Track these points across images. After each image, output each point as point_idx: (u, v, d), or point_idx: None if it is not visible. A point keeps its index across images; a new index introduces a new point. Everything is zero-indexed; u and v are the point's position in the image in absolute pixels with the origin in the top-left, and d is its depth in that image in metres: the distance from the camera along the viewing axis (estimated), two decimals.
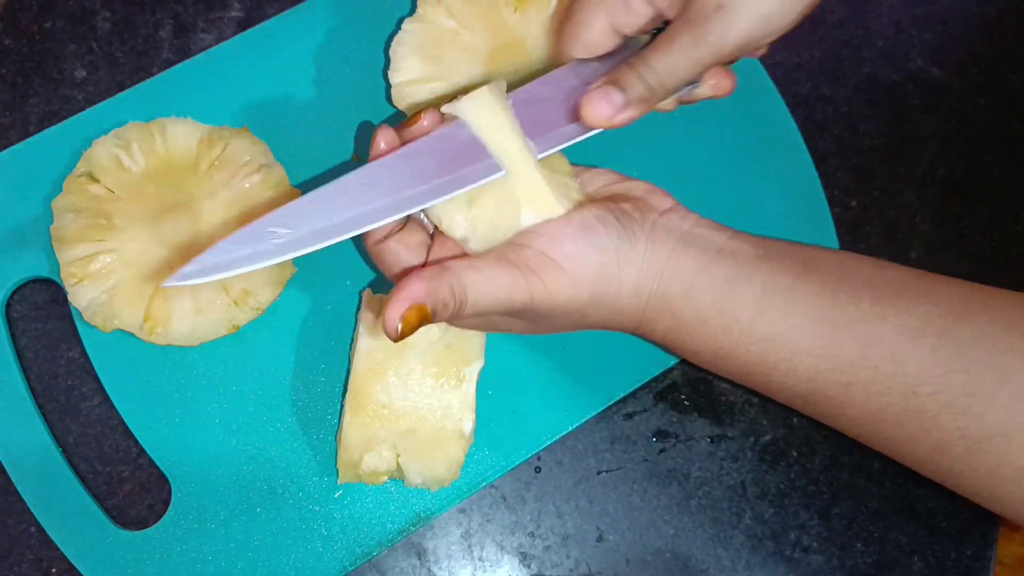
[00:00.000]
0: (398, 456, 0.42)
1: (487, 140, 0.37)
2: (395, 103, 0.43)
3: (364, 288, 0.47)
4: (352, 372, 0.43)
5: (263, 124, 0.47)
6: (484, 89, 0.37)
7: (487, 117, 0.37)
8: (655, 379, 0.48)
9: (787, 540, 0.48)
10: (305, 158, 0.48)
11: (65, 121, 0.47)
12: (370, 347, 0.42)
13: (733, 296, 0.37)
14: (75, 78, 0.51)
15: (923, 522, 0.48)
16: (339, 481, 0.43)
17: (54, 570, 0.45)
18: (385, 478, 0.43)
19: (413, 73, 0.43)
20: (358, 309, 0.45)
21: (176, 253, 0.44)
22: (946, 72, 0.55)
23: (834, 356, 0.36)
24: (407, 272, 0.36)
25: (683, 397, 0.49)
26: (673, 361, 0.48)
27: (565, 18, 0.41)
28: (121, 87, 0.50)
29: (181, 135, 0.45)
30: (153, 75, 0.49)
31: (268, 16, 0.51)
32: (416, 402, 0.42)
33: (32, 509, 0.43)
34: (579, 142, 0.39)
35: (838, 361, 0.36)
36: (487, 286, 0.36)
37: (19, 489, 0.43)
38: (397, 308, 0.33)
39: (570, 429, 0.46)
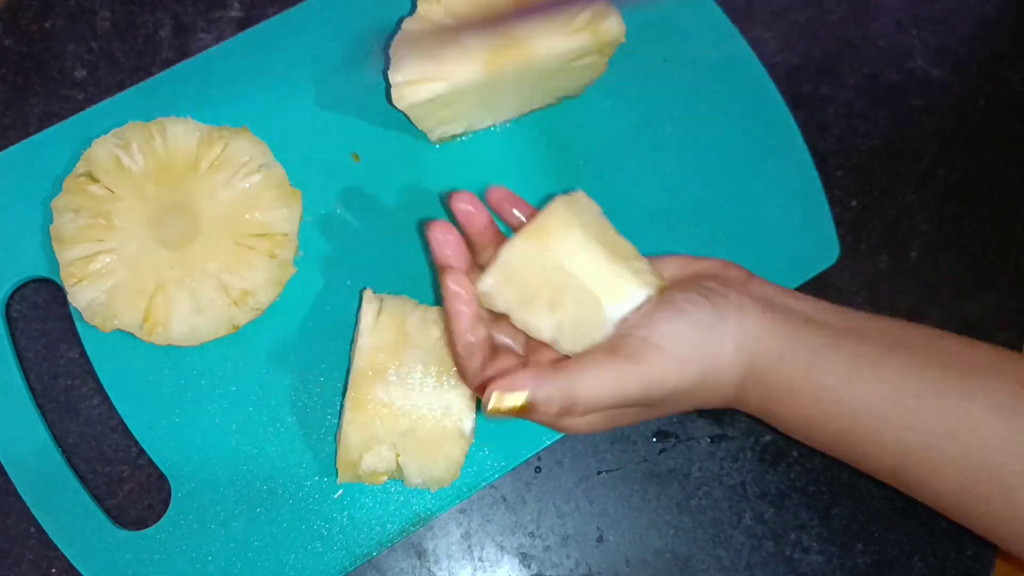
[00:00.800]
0: (398, 456, 0.42)
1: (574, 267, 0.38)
2: (395, 103, 0.43)
3: (364, 288, 0.47)
4: (352, 371, 0.43)
5: (263, 124, 0.47)
6: (555, 209, 0.38)
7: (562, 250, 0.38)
8: None
9: (787, 540, 0.48)
10: (305, 158, 0.48)
11: (65, 121, 0.47)
12: (370, 346, 0.42)
13: (822, 366, 0.37)
14: (75, 78, 0.51)
15: (923, 522, 0.48)
16: (339, 481, 0.43)
17: (54, 570, 0.45)
18: (385, 478, 0.43)
19: (413, 73, 0.43)
20: (358, 308, 0.45)
21: (176, 253, 0.44)
22: (946, 72, 0.55)
23: (920, 430, 0.36)
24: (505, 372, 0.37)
25: None
26: None
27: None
28: (121, 87, 0.50)
29: (181, 135, 0.45)
30: (153, 75, 0.49)
31: (268, 16, 0.51)
32: (416, 401, 0.42)
33: (32, 509, 0.43)
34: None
35: (924, 435, 0.36)
36: (598, 381, 0.36)
37: (19, 489, 0.43)
38: (498, 386, 0.35)
39: None
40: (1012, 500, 0.35)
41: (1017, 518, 0.35)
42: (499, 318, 0.40)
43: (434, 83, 0.43)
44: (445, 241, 0.39)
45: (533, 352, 0.40)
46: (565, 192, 0.40)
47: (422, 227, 0.48)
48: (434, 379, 0.42)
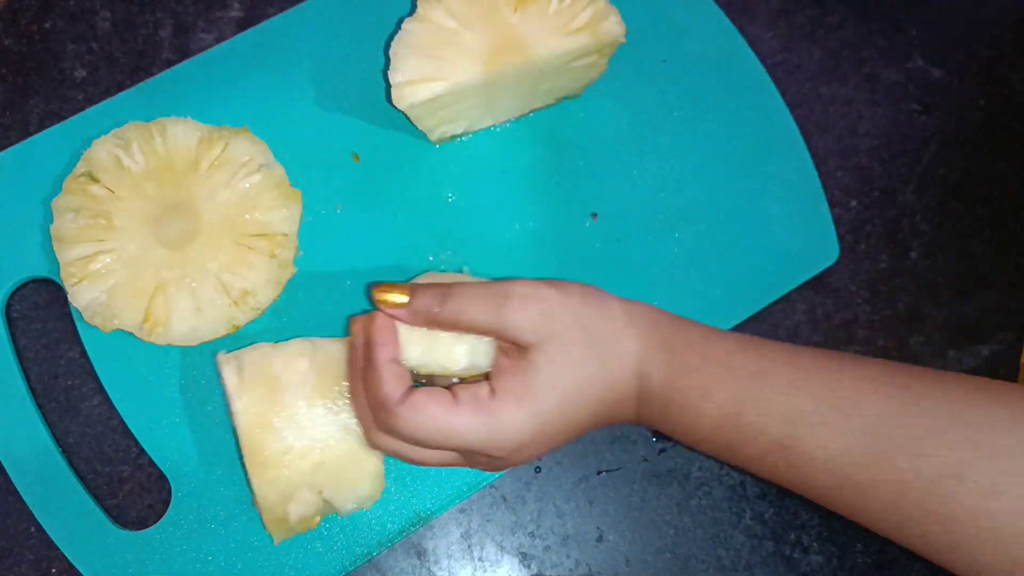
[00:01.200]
0: (320, 493, 0.41)
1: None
2: (395, 103, 0.43)
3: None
4: (240, 436, 0.41)
5: (263, 124, 0.47)
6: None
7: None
8: None
9: (787, 540, 0.48)
10: (305, 158, 0.48)
11: (65, 121, 0.47)
12: (246, 406, 0.41)
13: (713, 339, 0.38)
14: (75, 78, 0.51)
15: None
16: (275, 542, 0.42)
17: (54, 570, 0.45)
18: (318, 519, 0.42)
19: (413, 73, 0.43)
20: (219, 376, 0.43)
21: (176, 253, 0.44)
22: (946, 72, 0.55)
23: (808, 396, 0.36)
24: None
25: None
26: None
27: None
28: (121, 87, 0.50)
29: (181, 135, 0.45)
30: (153, 75, 0.49)
31: (268, 16, 0.51)
32: (314, 435, 0.41)
33: (32, 509, 0.43)
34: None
35: (811, 402, 0.36)
36: (475, 286, 0.39)
37: (19, 489, 0.43)
38: (383, 285, 0.39)
39: None
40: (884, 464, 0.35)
41: (889, 484, 0.35)
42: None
43: (434, 83, 0.43)
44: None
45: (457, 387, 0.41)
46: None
47: (426, 225, 0.48)
48: (321, 408, 0.41)
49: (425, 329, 0.40)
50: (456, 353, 0.40)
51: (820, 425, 0.35)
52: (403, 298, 0.39)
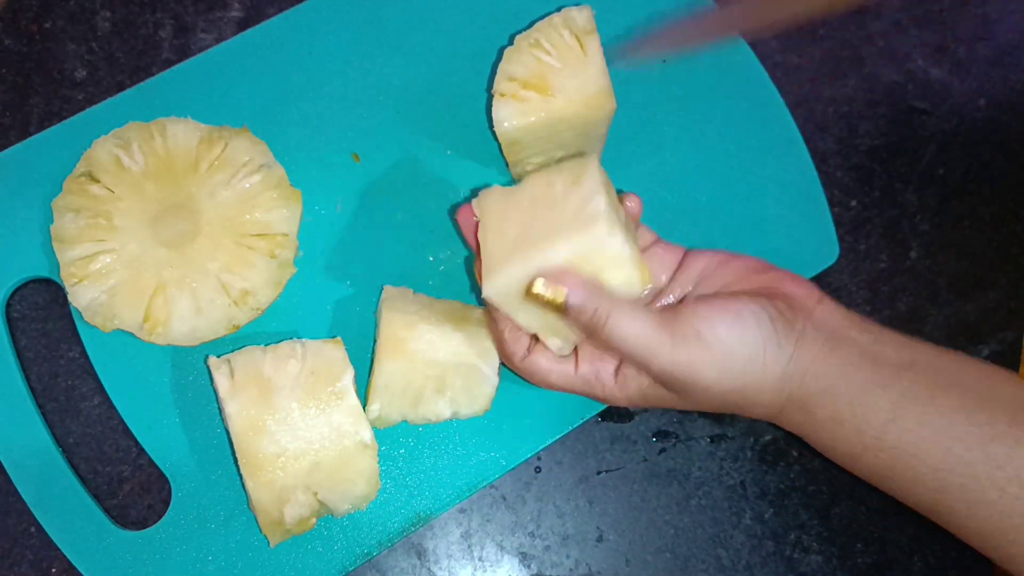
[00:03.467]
0: (316, 495, 0.41)
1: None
2: (495, 126, 0.43)
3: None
4: (233, 438, 0.41)
5: (263, 124, 0.47)
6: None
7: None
8: None
9: (787, 540, 0.48)
10: (305, 158, 0.48)
11: (65, 121, 0.47)
12: (238, 409, 0.41)
13: (869, 401, 0.37)
14: (75, 78, 0.51)
15: (923, 522, 0.48)
16: (271, 545, 0.42)
17: (54, 570, 0.45)
18: (314, 520, 0.42)
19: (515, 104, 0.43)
20: (211, 380, 0.43)
21: (176, 253, 0.44)
22: (946, 72, 0.55)
23: (961, 473, 0.36)
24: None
25: None
26: None
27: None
28: (121, 87, 0.50)
29: (181, 135, 0.45)
30: (153, 75, 0.49)
31: (268, 16, 0.51)
32: (307, 437, 0.41)
33: (32, 509, 0.43)
34: None
35: (965, 477, 0.36)
36: (632, 327, 0.37)
37: (19, 489, 0.43)
38: (549, 279, 0.37)
39: (570, 429, 0.46)
40: None
41: None
42: None
43: (536, 109, 0.43)
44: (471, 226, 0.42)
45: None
46: None
47: (427, 225, 0.48)
48: (313, 409, 0.41)
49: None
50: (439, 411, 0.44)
51: (979, 503, 0.36)
52: (557, 300, 0.37)
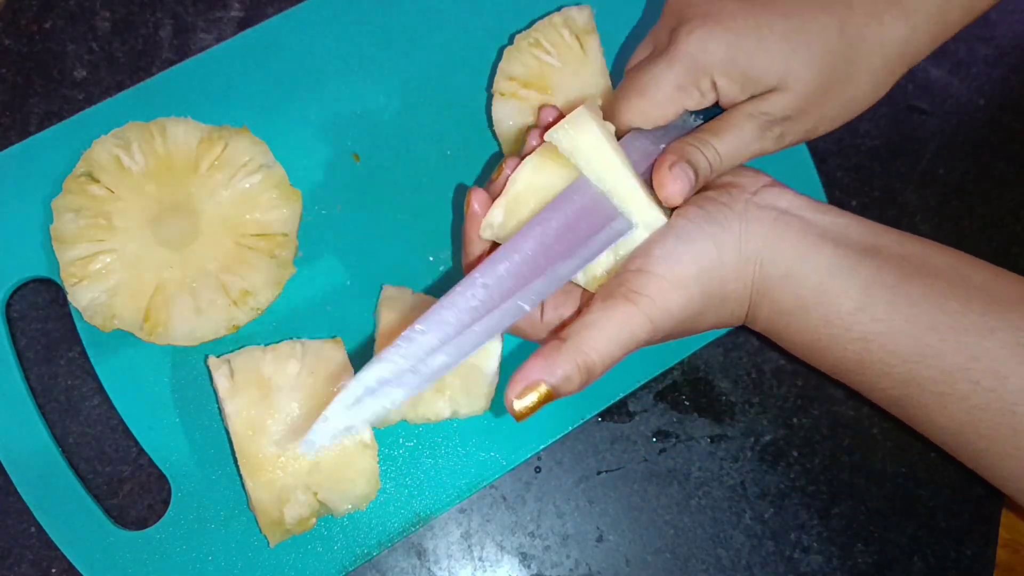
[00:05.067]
0: (315, 495, 0.41)
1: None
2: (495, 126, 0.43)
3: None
4: (233, 438, 0.41)
5: (263, 124, 0.47)
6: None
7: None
8: (655, 379, 0.48)
9: (787, 540, 0.48)
10: (305, 158, 0.48)
11: (65, 121, 0.47)
12: (238, 409, 0.41)
13: (835, 287, 0.35)
14: (75, 78, 0.51)
15: (923, 522, 0.48)
16: (271, 545, 0.42)
17: (54, 570, 0.45)
18: (314, 520, 0.42)
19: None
20: (211, 380, 0.44)
21: (176, 253, 0.44)
22: (946, 72, 0.55)
23: (932, 365, 0.34)
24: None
25: (683, 397, 0.49)
26: (673, 361, 0.48)
27: (630, 89, 0.39)
28: (121, 87, 0.50)
29: (181, 135, 0.45)
30: (153, 75, 0.49)
31: (268, 16, 0.51)
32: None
33: (32, 509, 0.43)
34: None
35: (936, 370, 0.34)
36: (607, 337, 0.35)
37: (19, 489, 0.43)
38: (513, 391, 0.34)
39: (570, 429, 0.46)
40: (1018, 441, 0.34)
41: (1020, 458, 0.34)
42: None
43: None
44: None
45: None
46: None
47: (427, 225, 0.48)
48: (313, 409, 0.41)
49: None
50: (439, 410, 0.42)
51: (949, 395, 0.34)
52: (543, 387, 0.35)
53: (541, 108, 0.40)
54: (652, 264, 0.35)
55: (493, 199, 0.39)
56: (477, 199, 0.39)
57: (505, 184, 0.38)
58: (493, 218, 0.38)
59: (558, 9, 0.45)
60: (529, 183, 0.37)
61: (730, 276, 0.36)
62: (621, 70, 0.48)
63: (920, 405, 0.36)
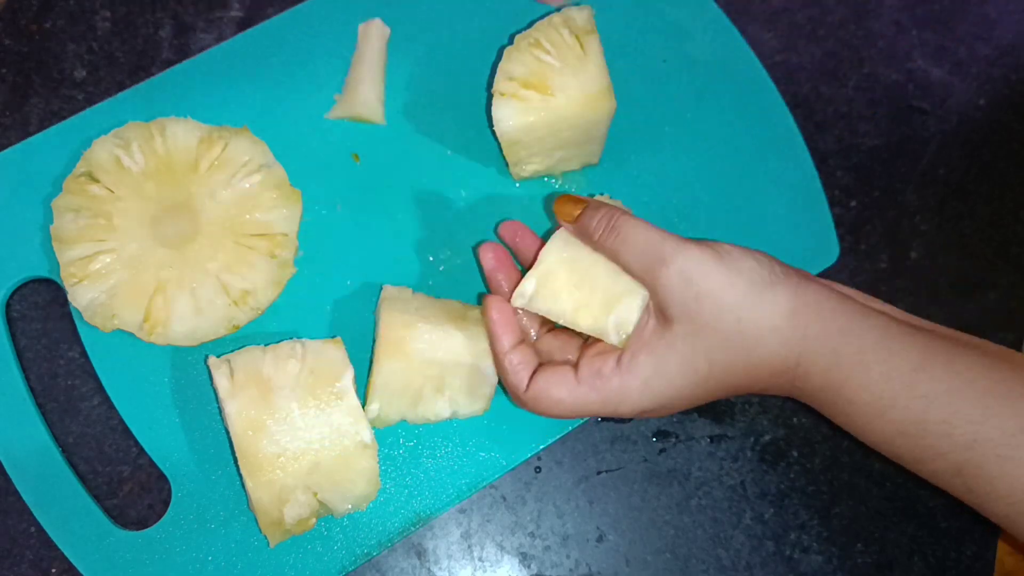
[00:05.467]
0: (316, 495, 0.41)
1: None
2: (495, 125, 0.44)
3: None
4: (233, 438, 0.41)
5: (263, 124, 0.47)
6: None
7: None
8: None
9: (787, 540, 0.48)
10: (305, 158, 0.48)
11: (65, 121, 0.47)
12: (238, 409, 0.41)
13: (895, 346, 0.36)
14: (75, 78, 0.51)
15: (923, 522, 0.48)
16: (271, 545, 0.42)
17: (54, 570, 0.45)
18: (313, 520, 0.42)
19: (516, 102, 0.44)
20: (211, 380, 0.43)
21: (176, 253, 0.44)
22: (946, 72, 0.55)
23: (995, 425, 0.34)
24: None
25: None
26: None
27: None
28: (121, 87, 0.50)
29: (181, 135, 0.45)
30: (153, 75, 0.49)
31: (268, 16, 0.51)
32: (307, 437, 0.41)
33: (32, 509, 0.43)
34: None
35: (999, 431, 0.34)
36: (641, 231, 0.38)
37: (19, 489, 0.43)
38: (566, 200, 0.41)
39: (570, 429, 0.46)
40: None
41: None
42: (546, 327, 0.43)
43: (537, 108, 0.44)
44: (497, 263, 0.44)
45: (587, 352, 0.41)
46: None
47: (427, 225, 0.48)
48: (313, 409, 0.41)
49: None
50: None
51: (1011, 460, 0.34)
52: (575, 212, 0.41)
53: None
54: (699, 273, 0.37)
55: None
56: (495, 309, 0.42)
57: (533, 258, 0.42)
58: (525, 288, 0.41)
59: (558, 9, 0.45)
60: (559, 256, 0.41)
61: (781, 312, 0.37)
62: (621, 70, 0.49)
63: (981, 471, 0.35)
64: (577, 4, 0.46)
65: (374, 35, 0.48)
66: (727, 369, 0.38)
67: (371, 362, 0.44)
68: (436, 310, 0.44)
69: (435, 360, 0.43)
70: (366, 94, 0.47)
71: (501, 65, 0.44)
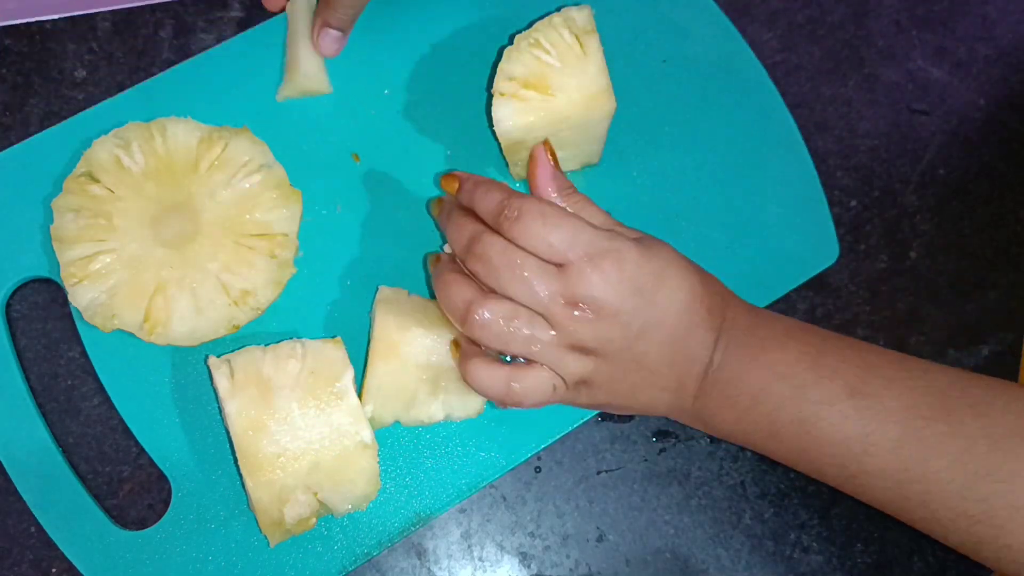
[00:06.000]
0: (315, 495, 0.41)
1: None
2: (495, 125, 0.44)
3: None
4: (233, 438, 0.41)
5: (263, 124, 0.47)
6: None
7: None
8: None
9: (787, 540, 0.48)
10: (305, 158, 0.48)
11: (65, 121, 0.47)
12: (238, 409, 0.41)
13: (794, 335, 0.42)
14: (75, 78, 0.51)
15: None
16: (271, 545, 0.42)
17: (54, 570, 0.45)
18: (313, 520, 0.42)
19: (517, 104, 0.44)
20: (211, 380, 0.43)
21: (176, 253, 0.44)
22: (946, 72, 0.55)
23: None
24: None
25: None
26: None
27: None
28: (121, 87, 0.50)
29: (181, 135, 0.45)
30: (153, 75, 0.49)
31: (268, 16, 0.51)
32: (307, 437, 0.41)
33: (32, 509, 0.43)
34: None
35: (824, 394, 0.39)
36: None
37: (19, 489, 0.43)
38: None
39: (570, 429, 0.46)
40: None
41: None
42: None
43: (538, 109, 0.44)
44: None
45: None
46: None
47: (427, 225, 0.48)
48: (313, 409, 0.41)
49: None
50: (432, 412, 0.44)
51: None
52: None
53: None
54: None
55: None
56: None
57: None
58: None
59: (558, 9, 0.45)
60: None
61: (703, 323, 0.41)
62: (621, 70, 0.49)
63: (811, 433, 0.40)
64: (577, 3, 0.46)
65: (300, 9, 0.48)
66: (635, 387, 0.41)
67: (365, 364, 0.44)
68: (431, 313, 0.44)
69: (429, 364, 0.43)
70: (306, 67, 0.48)
71: (501, 65, 0.44)
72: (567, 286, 0.38)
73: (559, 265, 0.38)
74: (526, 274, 0.38)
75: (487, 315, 0.39)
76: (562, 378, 0.40)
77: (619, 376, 0.40)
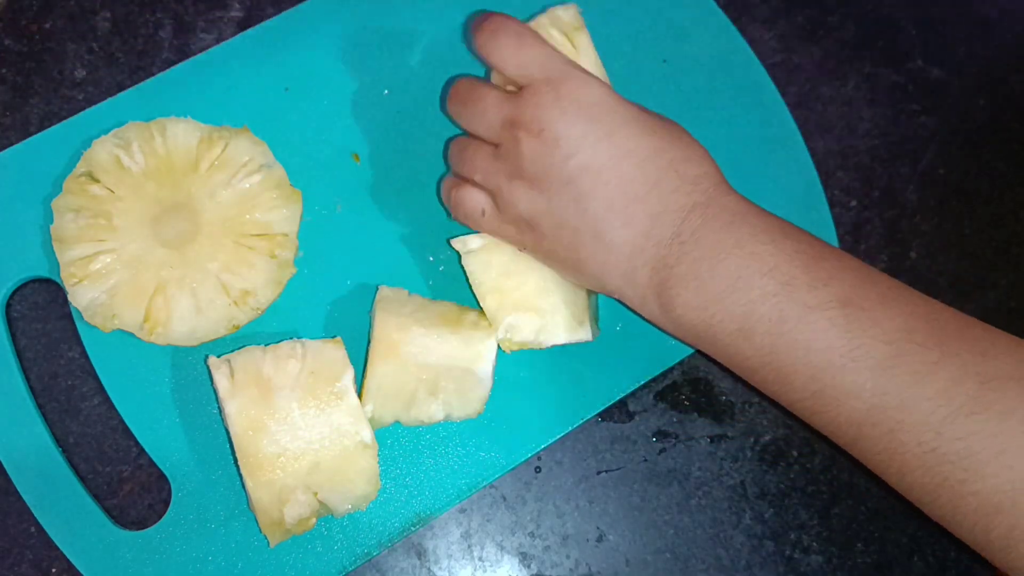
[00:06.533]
0: (316, 495, 0.41)
1: None
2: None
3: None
4: (233, 438, 0.41)
5: (263, 124, 0.47)
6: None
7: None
8: (655, 379, 0.48)
9: (787, 540, 0.48)
10: (305, 158, 0.48)
11: (65, 121, 0.47)
12: (238, 409, 0.41)
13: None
14: (75, 78, 0.51)
15: (923, 522, 0.48)
16: (271, 545, 0.42)
17: (54, 570, 0.45)
18: (313, 520, 0.42)
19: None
20: (211, 380, 0.43)
21: (176, 253, 0.44)
22: (946, 72, 0.55)
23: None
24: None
25: (683, 397, 0.49)
26: (673, 361, 0.48)
27: None
28: (121, 87, 0.50)
29: (181, 135, 0.45)
30: (153, 75, 0.49)
31: (268, 16, 0.51)
32: (307, 437, 0.41)
33: (32, 509, 0.43)
34: None
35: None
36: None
37: (19, 489, 0.43)
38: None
39: (570, 429, 0.46)
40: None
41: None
42: None
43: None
44: None
45: None
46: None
47: (427, 225, 0.48)
48: (313, 409, 0.41)
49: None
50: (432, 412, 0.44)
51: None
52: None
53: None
54: None
55: None
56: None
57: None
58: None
59: (543, 10, 0.45)
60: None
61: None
62: (621, 70, 0.49)
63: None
64: (563, 3, 0.46)
65: None
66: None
67: (365, 364, 0.44)
68: (431, 313, 0.44)
69: (429, 364, 0.43)
70: None
71: None
72: (517, 106, 0.37)
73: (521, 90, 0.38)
74: (483, 104, 0.38)
75: (452, 147, 0.43)
76: (497, 205, 0.40)
77: (560, 219, 0.37)
